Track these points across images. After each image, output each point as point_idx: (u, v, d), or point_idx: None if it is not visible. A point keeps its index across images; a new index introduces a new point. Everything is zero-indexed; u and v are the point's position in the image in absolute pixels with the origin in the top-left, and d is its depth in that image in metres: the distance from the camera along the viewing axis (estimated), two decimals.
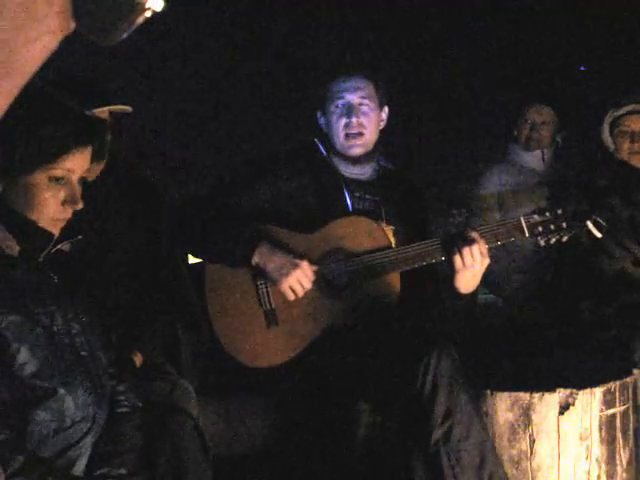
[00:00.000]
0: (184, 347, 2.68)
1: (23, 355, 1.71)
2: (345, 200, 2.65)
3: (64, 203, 1.80)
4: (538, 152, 3.73)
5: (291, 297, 2.50)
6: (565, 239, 2.50)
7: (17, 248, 1.79)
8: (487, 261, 2.43)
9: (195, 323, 2.66)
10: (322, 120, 2.72)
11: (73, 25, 0.74)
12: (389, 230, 2.64)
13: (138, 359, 2.37)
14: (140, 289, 2.55)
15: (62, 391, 1.74)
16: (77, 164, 1.80)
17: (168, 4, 0.74)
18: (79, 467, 1.79)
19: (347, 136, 2.63)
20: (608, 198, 3.16)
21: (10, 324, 1.70)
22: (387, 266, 2.52)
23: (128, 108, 2.64)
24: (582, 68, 5.54)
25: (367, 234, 2.57)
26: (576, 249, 3.17)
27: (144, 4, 0.73)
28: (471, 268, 2.41)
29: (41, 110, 1.77)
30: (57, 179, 1.78)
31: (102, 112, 2.52)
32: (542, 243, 2.50)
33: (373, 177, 2.74)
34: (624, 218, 3.19)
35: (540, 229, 2.49)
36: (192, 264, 2.78)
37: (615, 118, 3.31)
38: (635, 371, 2.65)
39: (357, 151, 2.65)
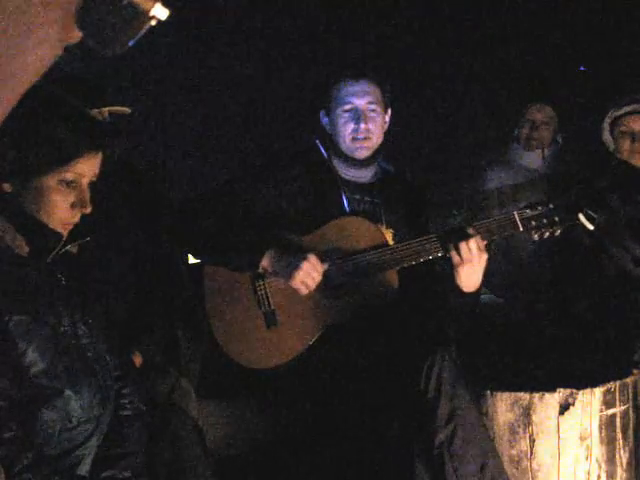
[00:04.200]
0: (184, 347, 2.69)
1: (30, 355, 1.72)
2: (342, 202, 2.64)
3: (74, 206, 1.82)
4: (538, 152, 3.72)
5: (304, 291, 2.46)
6: (558, 233, 2.51)
7: (26, 249, 1.80)
8: (485, 255, 2.43)
9: (195, 323, 2.66)
10: (325, 120, 2.71)
11: (78, 35, 0.73)
12: (388, 234, 2.64)
13: (138, 359, 2.38)
14: (140, 290, 2.55)
15: (68, 392, 1.76)
16: (88, 168, 1.82)
17: (172, 13, 0.74)
18: (84, 467, 1.81)
19: (354, 139, 2.63)
20: (608, 198, 3.15)
21: (18, 323, 1.72)
22: (385, 264, 2.52)
23: (127, 109, 2.64)
24: (582, 68, 5.53)
25: (363, 233, 2.57)
26: (576, 249, 3.17)
27: (148, 13, 0.73)
28: (469, 262, 2.41)
29: (56, 114, 1.79)
30: (68, 182, 1.80)
31: (102, 113, 2.53)
32: (536, 237, 2.51)
33: (373, 180, 2.74)
34: (624, 218, 3.18)
35: (533, 223, 2.50)
36: (192, 264, 2.78)
37: (615, 118, 3.31)
38: (635, 371, 2.65)
39: (363, 153, 2.64)
